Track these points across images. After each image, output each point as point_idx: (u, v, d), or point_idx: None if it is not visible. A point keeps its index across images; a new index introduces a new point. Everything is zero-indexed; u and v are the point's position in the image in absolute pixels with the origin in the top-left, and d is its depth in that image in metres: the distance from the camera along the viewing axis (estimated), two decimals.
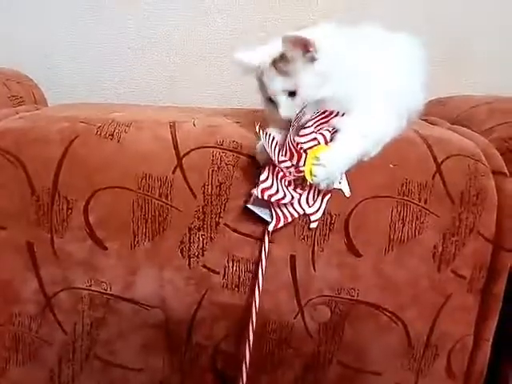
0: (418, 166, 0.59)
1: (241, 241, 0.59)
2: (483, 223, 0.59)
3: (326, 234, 0.59)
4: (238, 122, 0.65)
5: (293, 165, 0.54)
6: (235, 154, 0.59)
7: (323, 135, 0.55)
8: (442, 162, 0.59)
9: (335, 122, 0.56)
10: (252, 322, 0.57)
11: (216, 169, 0.58)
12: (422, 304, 0.61)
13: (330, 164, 0.54)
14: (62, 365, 0.63)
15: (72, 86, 1.03)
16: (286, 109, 0.55)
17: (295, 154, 0.54)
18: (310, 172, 0.54)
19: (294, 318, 0.61)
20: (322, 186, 0.55)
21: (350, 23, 0.59)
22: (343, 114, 0.56)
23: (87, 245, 0.59)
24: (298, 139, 0.54)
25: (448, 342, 0.63)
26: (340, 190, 0.57)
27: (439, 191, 0.59)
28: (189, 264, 0.59)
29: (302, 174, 0.54)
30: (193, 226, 0.59)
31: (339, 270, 0.59)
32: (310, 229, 0.58)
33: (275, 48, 0.55)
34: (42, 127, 0.61)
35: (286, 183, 0.55)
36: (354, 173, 0.57)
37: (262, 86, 0.57)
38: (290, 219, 0.57)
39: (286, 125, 0.55)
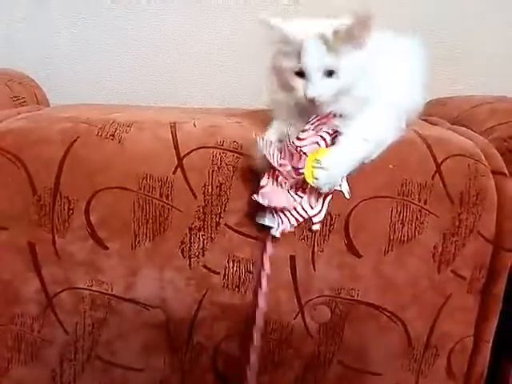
0: (418, 167, 0.59)
1: (241, 241, 0.59)
2: (483, 223, 0.59)
3: (326, 235, 0.59)
4: (238, 123, 0.65)
5: (293, 167, 0.54)
6: (235, 155, 0.59)
7: (323, 138, 0.55)
8: (441, 163, 0.59)
9: (334, 123, 0.55)
10: (256, 326, 0.57)
11: (216, 169, 0.58)
12: (421, 304, 0.61)
13: (331, 167, 0.54)
14: (64, 365, 0.63)
15: (74, 87, 1.03)
16: (317, 88, 0.52)
17: (295, 157, 0.54)
18: (312, 175, 0.53)
19: (294, 318, 0.61)
20: (324, 190, 0.54)
21: None
22: (340, 115, 0.55)
23: (88, 245, 0.59)
24: (297, 142, 0.54)
25: (448, 342, 0.63)
26: (340, 191, 0.57)
27: (439, 191, 0.59)
28: (189, 264, 0.60)
29: (302, 177, 0.54)
30: (193, 226, 0.59)
31: (339, 270, 0.60)
32: (312, 231, 0.58)
33: (324, 24, 0.52)
34: (44, 128, 0.62)
35: (287, 186, 0.55)
36: (354, 173, 0.57)
37: (290, 60, 0.53)
38: (295, 224, 0.56)
39: (295, 113, 0.54)
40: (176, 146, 0.59)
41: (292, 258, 0.59)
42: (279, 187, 0.55)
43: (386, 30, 0.60)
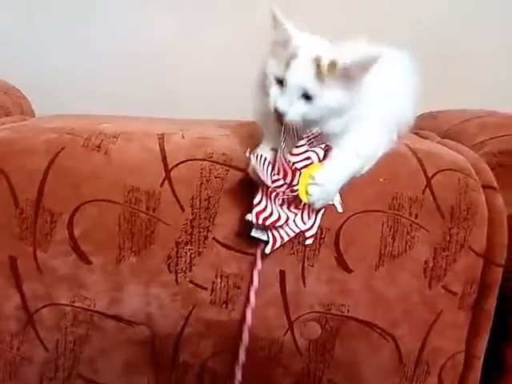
0: (409, 180, 0.59)
1: (229, 256, 0.58)
2: (474, 238, 0.59)
3: (316, 249, 0.58)
4: (228, 135, 0.65)
5: (286, 183, 0.53)
6: (225, 167, 0.58)
7: (316, 153, 0.54)
8: (432, 177, 0.59)
9: (327, 138, 0.54)
10: (243, 343, 0.56)
11: (205, 182, 0.57)
12: (413, 320, 0.60)
13: (325, 183, 0.53)
14: (44, 383, 0.61)
15: (61, 98, 1.02)
16: (286, 104, 0.50)
17: (289, 173, 0.53)
18: (306, 191, 0.53)
19: (284, 335, 0.59)
20: (317, 206, 0.54)
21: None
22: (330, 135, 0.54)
23: (71, 259, 0.58)
24: (291, 158, 0.53)
25: (439, 358, 0.62)
26: (333, 205, 0.56)
27: (430, 206, 0.58)
28: (176, 279, 0.58)
29: (296, 194, 0.53)
30: (180, 240, 0.57)
31: (329, 285, 0.58)
32: (305, 245, 0.57)
33: (327, 49, 0.50)
34: (28, 138, 0.60)
35: (280, 202, 0.54)
36: (345, 187, 0.56)
37: (278, 66, 0.51)
38: (286, 239, 0.55)
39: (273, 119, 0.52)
40: (164, 158, 0.58)
41: (282, 273, 0.58)
42: (273, 204, 0.54)
43: (376, 44, 0.60)
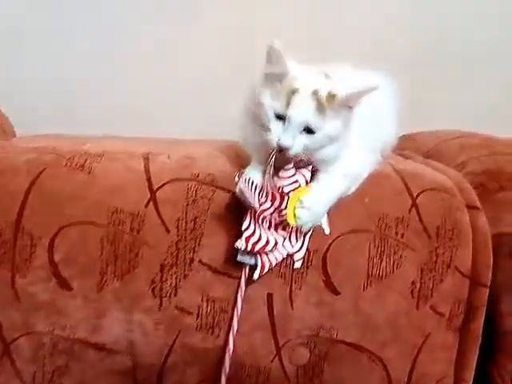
0: (394, 200, 0.59)
1: (216, 279, 0.56)
2: (459, 258, 0.59)
3: (303, 271, 0.57)
4: (215, 155, 0.64)
5: (274, 207, 0.53)
6: (211, 188, 0.57)
7: (303, 175, 0.54)
8: (417, 196, 0.59)
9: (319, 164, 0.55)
10: (225, 369, 0.54)
11: (191, 202, 0.56)
12: (401, 342, 0.59)
13: (313, 206, 0.53)
14: None
15: (44, 117, 1.00)
16: (290, 140, 0.50)
17: (277, 197, 0.53)
18: (294, 215, 0.52)
19: (271, 362, 0.58)
20: (305, 228, 0.54)
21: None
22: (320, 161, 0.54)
23: (51, 285, 0.55)
24: (279, 182, 0.53)
25: (428, 382, 0.61)
26: (320, 227, 0.56)
27: (415, 225, 0.59)
28: (160, 305, 0.56)
29: (284, 218, 0.53)
30: (166, 262, 0.56)
31: (317, 308, 0.57)
32: (294, 269, 0.56)
33: (323, 80, 0.51)
34: (9, 158, 0.59)
35: (268, 225, 0.54)
36: (331, 209, 0.56)
37: (277, 100, 0.51)
38: (274, 263, 0.55)
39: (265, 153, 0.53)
40: (149, 179, 0.57)
41: (269, 296, 0.57)
42: (261, 228, 0.53)
43: (359, 68, 0.62)
